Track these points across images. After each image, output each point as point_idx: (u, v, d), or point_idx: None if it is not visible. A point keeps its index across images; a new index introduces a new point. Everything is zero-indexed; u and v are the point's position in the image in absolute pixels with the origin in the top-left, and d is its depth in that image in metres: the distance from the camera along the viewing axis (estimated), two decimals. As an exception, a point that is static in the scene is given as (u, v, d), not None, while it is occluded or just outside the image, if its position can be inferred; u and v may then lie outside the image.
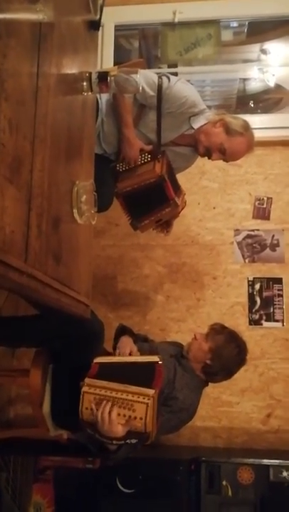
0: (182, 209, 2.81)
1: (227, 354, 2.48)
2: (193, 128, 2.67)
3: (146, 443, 1.98)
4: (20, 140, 1.12)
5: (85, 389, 1.99)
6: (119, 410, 1.91)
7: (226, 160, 2.72)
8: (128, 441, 1.93)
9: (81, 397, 1.99)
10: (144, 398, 1.91)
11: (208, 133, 2.64)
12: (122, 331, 2.67)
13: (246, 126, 2.65)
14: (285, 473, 2.81)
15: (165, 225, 2.89)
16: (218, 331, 2.55)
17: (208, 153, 2.68)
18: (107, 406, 1.92)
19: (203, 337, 2.54)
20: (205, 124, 2.66)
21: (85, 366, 2.10)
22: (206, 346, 2.49)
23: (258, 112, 4.82)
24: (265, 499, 2.79)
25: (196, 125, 2.66)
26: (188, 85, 2.67)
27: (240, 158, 2.78)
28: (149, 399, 1.90)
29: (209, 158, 2.71)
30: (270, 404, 3.47)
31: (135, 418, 1.90)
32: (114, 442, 1.95)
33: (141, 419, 1.89)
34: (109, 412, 1.91)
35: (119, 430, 1.91)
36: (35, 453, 3.07)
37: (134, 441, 1.93)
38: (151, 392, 1.93)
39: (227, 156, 2.67)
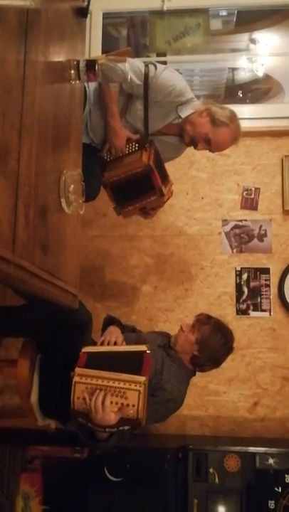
0: (168, 199, 2.81)
1: (214, 344, 2.48)
2: (180, 117, 2.65)
3: (138, 429, 2.01)
4: (7, 129, 1.11)
5: (76, 379, 2.00)
6: (112, 398, 1.94)
7: (211, 150, 2.72)
8: (121, 428, 1.96)
9: (72, 387, 2.00)
10: (135, 385, 1.94)
11: (194, 123, 2.62)
12: (110, 321, 2.67)
13: (232, 117, 2.63)
14: (270, 461, 2.84)
15: (149, 212, 2.89)
16: (204, 321, 2.55)
17: (193, 143, 2.68)
18: (100, 395, 1.94)
19: (189, 328, 2.53)
20: (192, 114, 2.64)
21: (73, 356, 2.10)
22: (192, 338, 2.49)
23: (247, 102, 4.82)
24: (251, 486, 2.82)
25: (184, 114, 2.64)
26: (175, 73, 2.64)
27: (225, 149, 2.77)
28: (140, 386, 1.93)
29: (195, 148, 2.70)
30: (256, 393, 3.50)
31: (128, 405, 1.93)
32: (107, 430, 1.97)
33: (133, 406, 1.92)
34: (103, 401, 1.92)
35: (112, 418, 1.93)
36: (23, 443, 3.08)
37: (126, 427, 1.97)
38: (142, 379, 1.96)
39: (212, 146, 2.66)
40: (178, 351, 2.53)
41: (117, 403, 1.93)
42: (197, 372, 2.62)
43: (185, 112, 2.64)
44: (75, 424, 2.19)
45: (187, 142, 2.70)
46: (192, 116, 2.63)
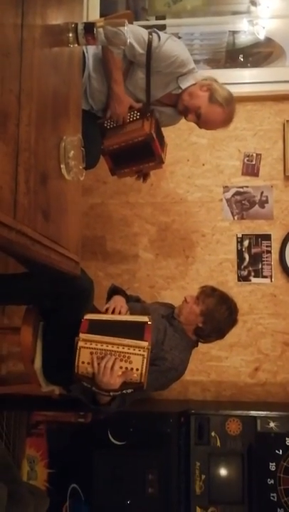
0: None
1: (219, 316, 2.49)
2: (180, 88, 2.62)
3: (140, 393, 2.09)
4: (6, 93, 1.10)
5: (81, 344, 2.04)
6: (118, 363, 1.99)
7: (199, 125, 2.70)
8: (124, 391, 2.02)
9: (77, 351, 2.04)
10: (139, 350, 1.99)
11: (192, 94, 2.61)
12: (114, 291, 2.68)
13: (229, 100, 2.62)
14: (271, 424, 2.89)
15: (143, 174, 2.94)
16: (209, 293, 2.55)
17: (185, 113, 2.66)
18: (111, 360, 1.99)
19: (193, 300, 2.53)
20: (192, 85, 2.62)
21: (76, 323, 2.12)
22: (197, 309, 2.49)
23: (248, 65, 4.74)
24: (252, 449, 2.88)
25: (184, 85, 2.61)
26: (178, 43, 2.59)
27: (212, 129, 2.78)
28: (144, 350, 1.99)
29: (185, 117, 2.70)
30: (257, 358, 3.54)
31: (132, 369, 1.99)
32: (111, 394, 2.03)
33: (137, 370, 1.98)
34: (112, 366, 1.98)
35: (117, 382, 1.99)
36: (27, 408, 3.13)
37: (129, 390, 2.02)
38: (145, 344, 2.01)
39: (200, 121, 2.65)
40: (182, 322, 2.54)
41: (121, 367, 1.98)
42: (200, 343, 2.64)
43: (186, 83, 2.61)
44: (78, 389, 2.22)
45: (180, 110, 2.69)
46: (192, 88, 2.61)
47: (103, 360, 2.00)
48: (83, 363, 2.03)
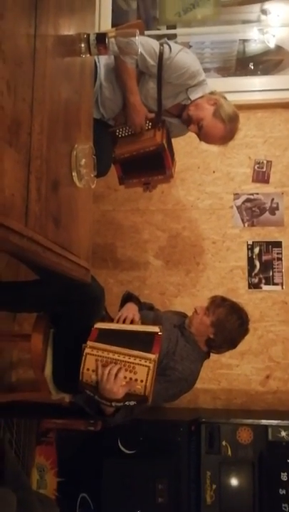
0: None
1: (230, 327, 2.47)
2: (190, 99, 2.63)
3: (144, 406, 2.04)
4: (19, 102, 1.11)
5: (87, 350, 2.03)
6: (122, 371, 1.96)
7: (199, 137, 2.71)
8: (127, 403, 1.98)
9: (83, 358, 2.03)
10: (145, 361, 1.96)
11: (198, 105, 2.62)
12: (128, 297, 2.68)
13: (232, 118, 2.62)
14: (283, 433, 2.87)
15: (150, 186, 2.96)
16: (219, 303, 2.53)
17: (188, 122, 2.67)
18: (115, 367, 1.97)
19: (204, 311, 2.51)
20: (200, 97, 2.63)
21: (86, 330, 2.13)
22: (207, 320, 2.47)
23: (258, 73, 4.74)
24: (263, 458, 2.86)
25: (194, 96, 2.62)
26: (190, 55, 2.60)
27: (211, 143, 2.77)
28: (150, 362, 1.96)
29: (187, 127, 2.70)
30: (268, 366, 3.52)
31: (136, 380, 1.95)
32: (113, 404, 1.99)
33: (142, 381, 1.95)
34: (117, 373, 1.95)
35: (120, 391, 1.95)
36: (37, 416, 3.12)
37: (132, 403, 1.99)
38: (152, 356, 1.98)
39: (201, 133, 2.66)
40: (193, 333, 2.53)
41: (126, 377, 1.96)
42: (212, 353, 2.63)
43: (195, 95, 2.62)
44: (81, 399, 2.21)
45: (183, 119, 2.70)
46: (199, 100, 2.63)
47: (107, 367, 1.98)
48: (88, 370, 2.02)
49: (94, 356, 2.02)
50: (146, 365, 1.96)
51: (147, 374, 1.95)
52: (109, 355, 2.01)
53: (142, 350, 2.01)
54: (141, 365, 1.96)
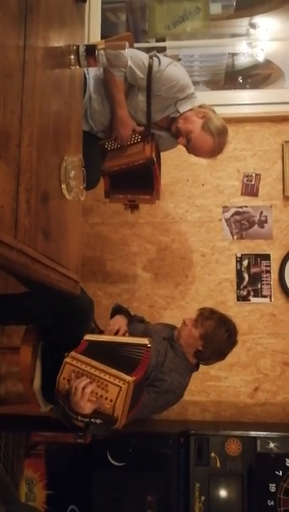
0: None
1: (218, 339, 2.48)
2: (179, 112, 2.64)
3: (112, 428, 1.96)
4: (8, 114, 1.11)
5: (67, 360, 2.01)
6: (93, 388, 1.91)
7: (188, 150, 2.71)
8: (93, 420, 1.92)
9: (62, 366, 2.00)
10: (119, 381, 1.90)
11: (187, 118, 2.62)
12: (118, 310, 2.67)
13: (221, 131, 2.62)
14: (271, 445, 2.86)
15: (134, 206, 2.99)
16: (207, 316, 2.53)
17: (176, 135, 2.67)
18: (85, 380, 1.92)
19: (192, 323, 2.52)
20: (189, 110, 2.63)
21: (75, 343, 2.11)
22: (196, 333, 2.48)
23: (247, 87, 4.80)
24: (252, 470, 2.85)
25: (182, 109, 2.63)
26: (179, 68, 2.61)
27: (200, 156, 2.78)
28: (124, 383, 1.89)
29: (176, 139, 2.70)
30: (257, 378, 3.52)
31: (106, 399, 1.89)
32: (79, 418, 1.93)
33: (111, 401, 1.89)
34: (84, 387, 1.90)
35: (87, 406, 1.89)
36: (26, 429, 3.10)
37: (98, 421, 1.92)
38: (128, 378, 1.92)
39: (189, 146, 2.66)
40: (182, 345, 2.53)
41: (96, 393, 1.91)
42: (200, 365, 2.62)
43: (184, 108, 2.62)
44: (58, 410, 2.18)
45: (172, 132, 2.70)
46: (188, 112, 2.63)
47: (79, 379, 1.94)
48: (64, 379, 1.99)
49: (72, 366, 1.99)
50: (118, 385, 1.89)
51: (118, 394, 1.88)
52: (86, 368, 1.97)
53: (121, 370, 1.95)
54: (114, 384, 1.90)
